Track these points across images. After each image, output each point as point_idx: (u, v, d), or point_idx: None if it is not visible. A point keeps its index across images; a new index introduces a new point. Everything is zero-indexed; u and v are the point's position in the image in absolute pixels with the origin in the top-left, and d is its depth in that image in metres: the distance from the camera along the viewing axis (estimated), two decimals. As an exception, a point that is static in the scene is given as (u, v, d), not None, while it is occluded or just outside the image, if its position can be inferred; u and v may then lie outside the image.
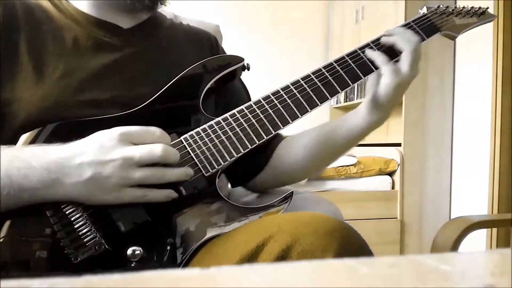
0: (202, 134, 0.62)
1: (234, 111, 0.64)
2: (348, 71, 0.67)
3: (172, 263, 0.56)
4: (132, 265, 0.54)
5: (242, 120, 0.63)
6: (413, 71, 0.66)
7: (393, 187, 2.39)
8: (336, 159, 0.78)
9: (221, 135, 0.62)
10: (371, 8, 2.77)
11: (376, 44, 0.70)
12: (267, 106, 0.64)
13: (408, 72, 0.66)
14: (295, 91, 0.65)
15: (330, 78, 0.66)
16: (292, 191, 0.64)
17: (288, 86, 0.66)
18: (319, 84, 0.66)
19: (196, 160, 0.60)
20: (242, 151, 0.62)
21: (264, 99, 0.65)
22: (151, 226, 0.56)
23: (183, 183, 0.58)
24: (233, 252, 0.51)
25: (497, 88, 2.10)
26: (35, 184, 0.52)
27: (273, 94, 0.65)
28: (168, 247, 0.56)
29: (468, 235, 1.08)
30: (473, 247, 2.01)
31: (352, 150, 0.82)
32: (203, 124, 0.63)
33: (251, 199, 0.85)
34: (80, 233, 0.54)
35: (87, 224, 0.54)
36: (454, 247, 1.05)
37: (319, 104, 0.65)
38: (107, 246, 0.53)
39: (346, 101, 3.04)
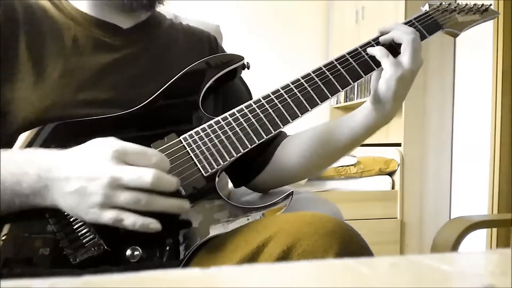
0: (202, 133, 0.62)
1: (234, 110, 0.64)
2: (349, 70, 0.67)
3: (173, 261, 0.56)
4: (132, 265, 0.54)
5: (242, 119, 0.63)
6: (415, 62, 0.64)
7: (393, 187, 2.39)
8: (340, 157, 0.76)
9: (221, 135, 0.62)
10: (371, 8, 2.77)
11: (377, 42, 0.69)
12: (267, 106, 0.64)
13: (409, 63, 0.64)
14: (295, 90, 0.65)
15: (330, 77, 0.66)
16: (292, 191, 0.64)
17: (288, 85, 0.65)
18: (319, 83, 0.66)
19: (195, 160, 0.60)
20: (242, 151, 0.62)
21: (264, 98, 0.64)
22: None
23: (183, 183, 0.58)
24: (234, 252, 0.51)
25: (497, 88, 2.10)
26: (26, 190, 0.51)
27: (273, 93, 0.65)
28: (168, 247, 0.56)
29: (468, 235, 1.08)
30: (473, 247, 2.01)
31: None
32: (202, 124, 0.63)
33: (252, 198, 0.85)
34: (79, 233, 0.54)
35: (86, 225, 0.54)
36: (454, 247, 1.05)
37: (320, 103, 0.65)
38: (106, 247, 0.53)
39: (346, 101, 3.04)
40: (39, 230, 0.53)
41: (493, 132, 2.11)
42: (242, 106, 0.64)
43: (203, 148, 0.61)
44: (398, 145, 2.41)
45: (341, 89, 0.66)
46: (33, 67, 0.63)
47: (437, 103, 2.42)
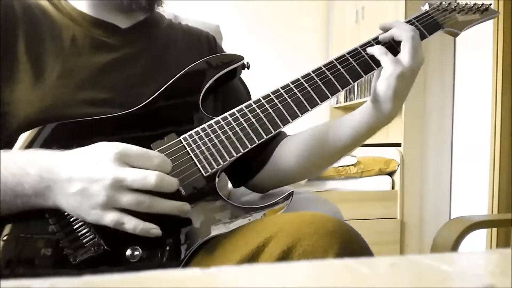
0: (202, 133, 0.61)
1: (234, 110, 0.64)
2: (349, 69, 0.66)
3: (173, 261, 0.56)
4: (132, 265, 0.54)
5: (242, 119, 0.63)
6: (414, 59, 0.64)
7: (393, 187, 2.39)
8: (340, 158, 0.75)
9: (221, 134, 0.62)
10: (371, 8, 2.77)
11: (377, 42, 0.69)
12: (267, 105, 0.64)
13: (409, 61, 0.63)
14: (295, 90, 0.65)
15: (330, 76, 0.66)
16: (293, 191, 0.64)
17: (288, 85, 0.65)
18: (319, 82, 0.65)
19: (195, 160, 0.60)
20: (242, 151, 0.62)
21: (264, 98, 0.64)
22: None
23: (183, 183, 0.58)
24: (234, 252, 0.51)
25: (497, 88, 2.10)
26: (28, 190, 0.51)
27: (273, 93, 0.65)
28: (168, 247, 0.56)
29: (468, 235, 1.08)
30: (473, 247, 2.01)
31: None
32: (202, 124, 0.63)
33: (252, 198, 0.85)
34: (79, 233, 0.54)
35: (86, 225, 0.54)
36: (454, 247, 1.05)
37: (320, 103, 0.65)
38: (106, 247, 0.53)
39: (346, 101, 3.04)
40: (39, 230, 0.53)
41: (493, 132, 2.11)
42: (242, 106, 0.64)
43: (203, 148, 0.61)
44: (398, 145, 2.41)
45: (341, 89, 0.66)
46: (32, 67, 0.63)
47: (437, 103, 2.43)
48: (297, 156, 0.75)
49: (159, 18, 0.79)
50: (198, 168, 0.60)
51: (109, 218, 0.51)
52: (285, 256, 0.46)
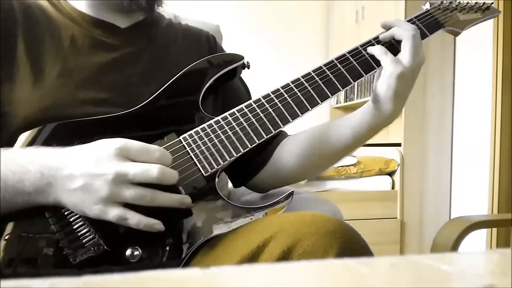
0: (202, 133, 0.61)
1: (234, 110, 0.64)
2: (349, 69, 0.66)
3: (173, 261, 0.56)
4: (132, 265, 0.54)
5: (242, 119, 0.63)
6: (415, 59, 0.63)
7: (393, 187, 2.39)
8: (340, 158, 0.74)
9: (221, 134, 0.62)
10: (371, 8, 2.77)
11: (378, 41, 0.69)
12: (267, 105, 0.64)
13: (409, 60, 0.63)
14: (295, 89, 0.65)
15: (331, 76, 0.66)
16: (293, 190, 0.64)
17: (288, 85, 0.65)
18: (320, 82, 0.65)
19: (195, 160, 0.60)
20: (242, 150, 0.61)
21: (264, 97, 0.64)
22: None
23: (183, 183, 0.58)
24: (234, 252, 0.51)
25: (497, 88, 2.10)
26: (28, 188, 0.51)
27: (273, 92, 0.65)
28: (168, 247, 0.56)
29: (468, 235, 1.08)
30: (473, 247, 2.01)
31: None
32: (202, 123, 0.62)
33: (252, 198, 0.85)
34: (79, 233, 0.54)
35: (86, 225, 0.54)
36: (454, 247, 1.05)
37: (320, 102, 0.64)
38: (106, 247, 0.53)
39: (346, 101, 3.04)
40: (40, 230, 0.53)
41: (493, 132, 2.11)
42: (242, 105, 0.64)
43: (203, 148, 0.61)
44: (398, 145, 2.41)
45: (341, 88, 0.65)
46: (32, 67, 0.63)
47: (437, 103, 2.43)
48: (298, 156, 0.75)
49: (159, 18, 0.79)
50: (198, 168, 0.59)
51: (113, 213, 0.51)
52: (285, 256, 0.46)
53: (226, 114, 0.63)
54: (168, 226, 0.55)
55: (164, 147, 0.59)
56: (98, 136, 0.56)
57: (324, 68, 0.66)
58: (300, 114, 0.64)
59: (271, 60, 3.03)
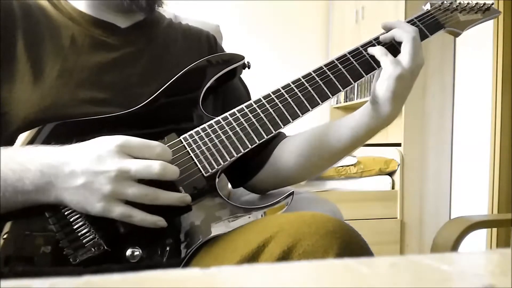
0: (202, 133, 0.61)
1: (234, 110, 0.64)
2: (350, 69, 0.66)
3: (173, 261, 0.56)
4: (132, 265, 0.54)
5: (242, 119, 0.63)
6: (414, 60, 0.63)
7: (393, 187, 2.39)
8: (340, 159, 0.74)
9: (221, 134, 0.62)
10: (371, 8, 2.77)
11: (378, 42, 0.69)
12: (267, 105, 0.64)
13: (408, 62, 0.63)
14: (296, 89, 0.65)
15: (331, 76, 0.66)
16: (293, 191, 0.64)
17: (288, 85, 0.65)
18: (320, 82, 0.65)
19: (195, 160, 0.60)
20: (242, 151, 0.61)
21: (264, 98, 0.64)
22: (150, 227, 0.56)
23: (183, 183, 0.58)
24: (234, 252, 0.51)
25: (497, 88, 2.10)
26: (29, 186, 0.51)
27: (274, 92, 0.65)
28: (168, 248, 0.56)
29: (468, 235, 1.08)
30: (473, 247, 2.01)
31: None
32: (203, 124, 0.62)
33: (251, 198, 0.85)
34: (79, 233, 0.54)
35: (86, 225, 0.54)
36: (454, 247, 1.05)
37: (320, 103, 0.64)
38: (106, 247, 0.53)
39: (346, 101, 3.04)
40: (40, 229, 0.53)
41: (493, 132, 2.11)
42: (243, 105, 0.64)
43: (203, 148, 0.61)
44: (398, 145, 2.41)
45: (342, 89, 0.65)
46: (31, 67, 0.63)
47: (437, 103, 2.43)
48: (297, 156, 0.75)
49: (159, 17, 0.79)
50: (199, 168, 0.59)
51: (117, 211, 0.51)
52: (285, 256, 0.46)
53: (227, 114, 0.63)
54: (168, 225, 0.55)
55: (164, 147, 0.59)
56: (98, 136, 0.56)
57: (324, 68, 0.66)
58: (300, 114, 0.64)
59: (271, 60, 3.03)
